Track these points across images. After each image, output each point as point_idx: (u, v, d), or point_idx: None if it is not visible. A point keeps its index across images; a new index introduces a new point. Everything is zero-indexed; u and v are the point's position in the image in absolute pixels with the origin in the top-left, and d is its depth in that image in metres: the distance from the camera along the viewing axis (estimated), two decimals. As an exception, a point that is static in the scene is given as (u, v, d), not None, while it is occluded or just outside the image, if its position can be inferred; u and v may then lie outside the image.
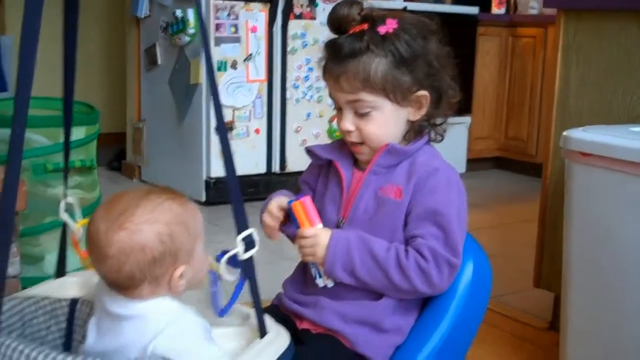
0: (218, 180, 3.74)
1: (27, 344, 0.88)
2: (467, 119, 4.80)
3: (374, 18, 1.21)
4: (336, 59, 1.21)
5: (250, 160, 3.85)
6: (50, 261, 2.29)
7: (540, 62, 4.70)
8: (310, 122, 4.02)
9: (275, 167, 3.94)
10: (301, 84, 3.97)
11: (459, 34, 4.61)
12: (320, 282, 1.23)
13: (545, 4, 2.25)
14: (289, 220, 1.25)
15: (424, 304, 1.26)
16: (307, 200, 1.22)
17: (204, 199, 3.72)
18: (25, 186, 1.72)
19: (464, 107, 4.75)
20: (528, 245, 2.44)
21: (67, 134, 1.21)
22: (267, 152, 3.92)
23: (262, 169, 3.91)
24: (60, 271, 1.23)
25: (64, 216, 1.18)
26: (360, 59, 1.19)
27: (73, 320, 1.13)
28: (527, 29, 4.85)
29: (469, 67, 4.74)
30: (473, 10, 4.77)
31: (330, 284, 1.22)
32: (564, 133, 1.80)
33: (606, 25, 2.12)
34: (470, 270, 1.25)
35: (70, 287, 1.19)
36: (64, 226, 1.20)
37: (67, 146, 1.22)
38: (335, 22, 1.23)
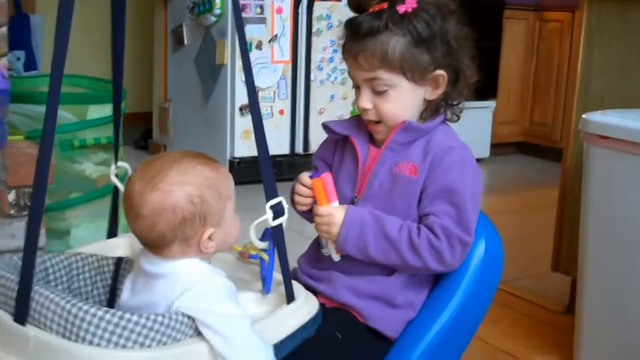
0: (242, 160, 3.78)
1: (58, 292, 0.93)
2: (492, 103, 4.77)
3: None
4: (355, 36, 1.23)
5: (273, 140, 3.88)
6: (75, 235, 2.34)
7: (567, 47, 4.66)
8: (334, 104, 4.04)
9: (299, 148, 3.97)
10: (325, 66, 3.99)
11: (485, 18, 4.58)
12: (326, 252, 1.26)
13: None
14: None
15: (436, 280, 1.29)
16: (326, 177, 1.24)
17: (227, 178, 3.76)
18: (53, 161, 1.76)
19: (488, 92, 4.74)
20: (548, 229, 2.45)
21: (117, 110, 1.30)
22: (291, 133, 3.95)
23: (285, 149, 3.94)
24: (112, 232, 1.32)
25: (114, 180, 1.28)
26: (378, 37, 1.20)
27: (117, 277, 1.19)
28: (554, 13, 4.80)
29: (494, 51, 4.70)
30: (500, -7, 4.74)
31: (337, 258, 1.25)
32: (583, 116, 1.80)
33: (630, 10, 2.11)
34: (482, 249, 1.27)
35: (119, 247, 1.27)
36: (115, 190, 1.30)
37: (117, 120, 1.32)
38: (355, 1, 1.25)
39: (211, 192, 1.03)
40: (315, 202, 1.25)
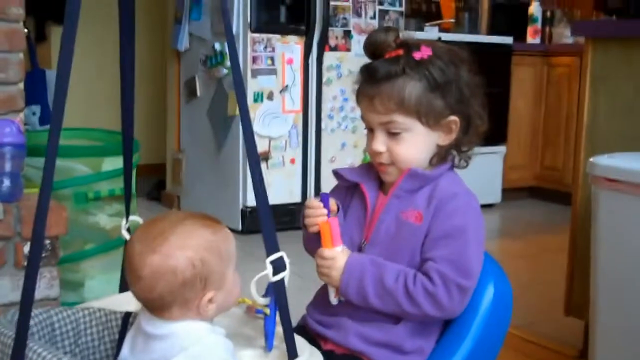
0: (254, 209, 3.80)
1: (50, 350, 0.94)
2: (502, 148, 4.80)
3: (409, 44, 1.27)
4: (371, 81, 1.26)
5: (285, 189, 3.91)
6: (89, 287, 2.35)
7: (576, 91, 4.69)
8: (345, 152, 4.08)
9: (311, 196, 3.99)
10: (336, 114, 4.04)
11: (493, 64, 4.63)
12: (331, 298, 1.27)
13: (573, 33, 2.29)
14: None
15: (446, 325, 1.29)
16: (333, 221, 1.26)
17: (240, 227, 3.79)
18: (66, 212, 1.80)
19: (498, 137, 4.76)
20: (561, 274, 2.44)
21: (128, 163, 1.33)
22: (302, 181, 3.98)
23: (297, 197, 3.96)
24: (124, 286, 1.32)
25: (125, 234, 1.29)
26: (395, 81, 1.24)
27: (125, 332, 1.19)
28: (562, 58, 4.85)
29: (503, 96, 4.74)
30: (507, 40, 4.80)
31: (334, 301, 1.27)
32: (590, 159, 1.82)
33: (634, 53, 2.14)
34: (491, 292, 1.28)
35: (131, 301, 1.26)
36: (127, 243, 1.29)
37: (128, 173, 1.35)
38: (372, 47, 1.28)
39: (212, 254, 1.03)
40: (319, 245, 1.26)
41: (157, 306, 1.03)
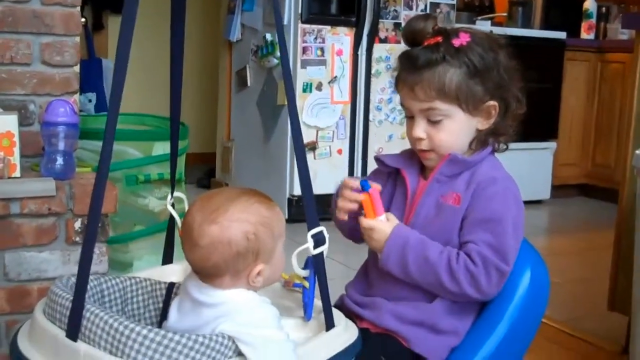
0: (300, 198, 3.83)
1: (108, 312, 0.99)
2: (552, 145, 4.74)
3: (448, 32, 1.29)
4: (412, 68, 1.28)
5: (331, 179, 3.88)
6: (137, 267, 2.41)
7: (630, 88, 4.61)
8: (392, 144, 4.08)
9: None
10: (384, 106, 4.05)
11: (546, 59, 4.59)
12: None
13: (623, 26, 2.26)
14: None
15: (481, 308, 1.30)
16: (374, 192, 1.28)
17: (286, 216, 3.82)
18: (117, 191, 1.85)
19: (549, 132, 4.71)
20: (606, 270, 2.42)
21: (175, 143, 1.38)
22: (349, 172, 3.99)
23: (343, 188, 3.98)
24: (167, 259, 1.38)
25: (170, 208, 1.35)
26: (435, 69, 1.26)
27: (169, 301, 1.24)
28: (616, 54, 4.76)
29: (555, 92, 4.69)
30: (561, 35, 4.74)
31: None
32: (637, 152, 1.80)
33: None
34: (528, 278, 1.29)
35: (173, 273, 1.33)
36: (171, 219, 1.36)
37: (174, 152, 1.39)
38: (410, 35, 1.30)
39: (265, 230, 1.08)
40: (362, 215, 1.28)
41: (210, 274, 1.08)
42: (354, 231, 1.34)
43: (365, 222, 1.27)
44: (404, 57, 1.31)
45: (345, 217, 1.31)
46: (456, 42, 1.26)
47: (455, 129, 1.29)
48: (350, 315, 1.32)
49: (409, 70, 1.29)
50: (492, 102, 1.29)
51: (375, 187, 1.28)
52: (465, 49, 1.26)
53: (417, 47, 1.29)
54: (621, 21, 2.27)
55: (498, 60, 1.28)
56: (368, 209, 1.27)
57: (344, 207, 1.30)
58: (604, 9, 5.29)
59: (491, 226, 1.22)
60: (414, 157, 1.36)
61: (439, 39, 1.27)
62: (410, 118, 1.32)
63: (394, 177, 1.38)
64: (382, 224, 1.27)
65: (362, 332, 1.27)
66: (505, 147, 1.35)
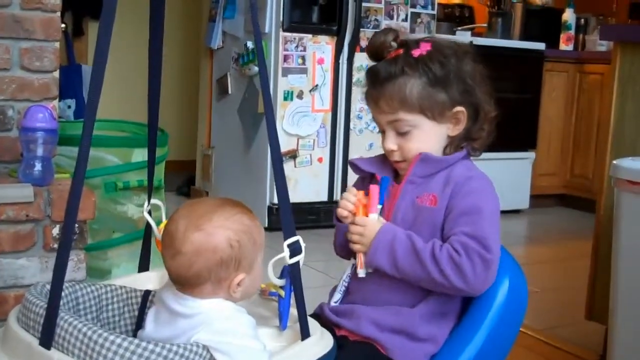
0: (281, 206, 3.82)
1: (82, 320, 0.98)
2: (531, 155, 4.78)
3: (408, 43, 1.31)
4: (375, 82, 1.31)
5: (312, 188, 3.94)
6: (116, 275, 2.40)
7: (608, 99, 4.66)
8: (373, 152, 4.06)
9: (337, 196, 4.01)
10: (365, 115, 4.06)
11: (525, 70, 4.63)
12: (358, 270, 1.29)
13: (601, 37, 2.28)
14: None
15: (460, 316, 1.31)
16: (373, 188, 1.30)
17: (266, 224, 3.81)
18: (95, 197, 1.84)
19: (528, 143, 4.75)
20: (584, 279, 2.44)
21: (152, 152, 1.37)
22: (329, 181, 4.00)
23: (323, 197, 3.98)
24: (143, 266, 1.37)
25: (147, 216, 1.33)
26: (396, 81, 1.28)
27: (144, 310, 1.23)
28: (595, 65, 4.82)
29: (534, 102, 4.73)
30: (540, 46, 4.78)
31: (361, 273, 1.29)
32: (614, 162, 1.82)
33: (663, 59, 2.14)
34: (506, 286, 1.29)
35: (149, 280, 1.32)
36: (148, 226, 1.35)
37: (151, 158, 1.38)
38: (373, 50, 1.33)
39: (248, 238, 1.09)
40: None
41: (191, 283, 1.08)
42: (344, 247, 1.35)
43: (358, 219, 1.29)
44: (368, 73, 1.34)
45: (344, 214, 1.32)
46: (416, 53, 1.28)
47: (424, 137, 1.30)
48: (329, 324, 1.32)
49: (373, 85, 1.32)
50: (459, 108, 1.30)
51: (374, 186, 1.30)
52: (425, 58, 1.28)
53: (380, 61, 1.31)
54: (599, 33, 2.29)
55: (461, 66, 1.30)
56: (366, 205, 1.29)
57: (346, 206, 1.32)
58: (582, 20, 5.34)
59: (470, 218, 1.23)
60: (387, 161, 1.37)
61: (400, 51, 1.30)
62: (382, 132, 1.34)
63: (369, 181, 1.39)
64: (374, 222, 1.28)
65: (341, 340, 1.27)
66: (479, 152, 1.36)
